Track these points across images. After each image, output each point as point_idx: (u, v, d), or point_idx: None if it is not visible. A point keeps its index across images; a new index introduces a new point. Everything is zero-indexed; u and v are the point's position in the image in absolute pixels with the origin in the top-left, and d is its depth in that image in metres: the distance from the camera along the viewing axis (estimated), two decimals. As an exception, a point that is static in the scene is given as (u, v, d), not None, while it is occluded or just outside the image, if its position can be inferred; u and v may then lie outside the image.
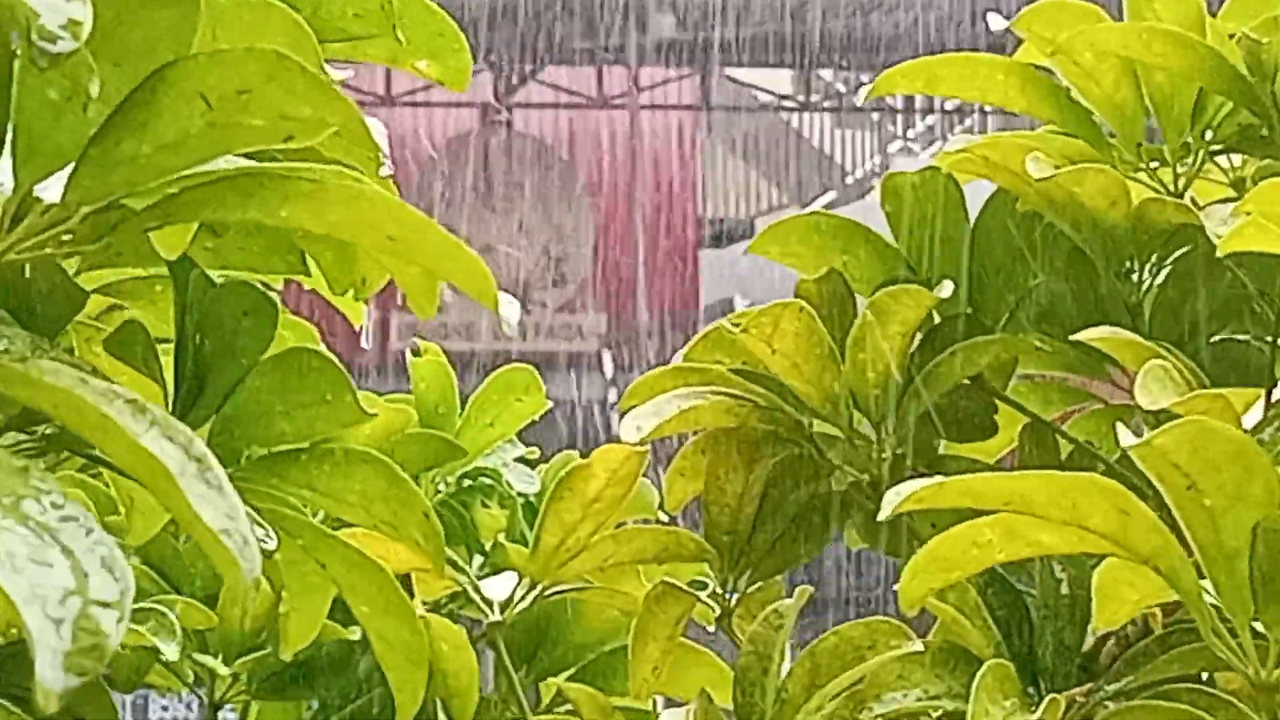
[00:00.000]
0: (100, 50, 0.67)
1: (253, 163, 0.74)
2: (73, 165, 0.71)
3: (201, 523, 0.58)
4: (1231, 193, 1.19)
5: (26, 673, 0.95)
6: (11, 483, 0.58)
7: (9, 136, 0.69)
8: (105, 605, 0.54)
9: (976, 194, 1.20)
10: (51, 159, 0.70)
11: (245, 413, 0.98)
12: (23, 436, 0.83)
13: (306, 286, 1.20)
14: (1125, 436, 0.83)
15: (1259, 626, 0.87)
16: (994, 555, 0.87)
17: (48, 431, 0.84)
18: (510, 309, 0.82)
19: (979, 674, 1.00)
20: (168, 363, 0.98)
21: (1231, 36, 1.15)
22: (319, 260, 0.96)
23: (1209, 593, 0.87)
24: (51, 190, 0.71)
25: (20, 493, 0.58)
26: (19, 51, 0.67)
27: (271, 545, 0.98)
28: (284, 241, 0.94)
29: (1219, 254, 0.98)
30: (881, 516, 0.82)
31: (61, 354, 0.71)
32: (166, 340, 1.00)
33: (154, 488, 0.60)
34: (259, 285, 0.99)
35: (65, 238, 0.73)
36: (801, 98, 16.92)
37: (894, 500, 0.81)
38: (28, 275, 0.87)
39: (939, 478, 0.83)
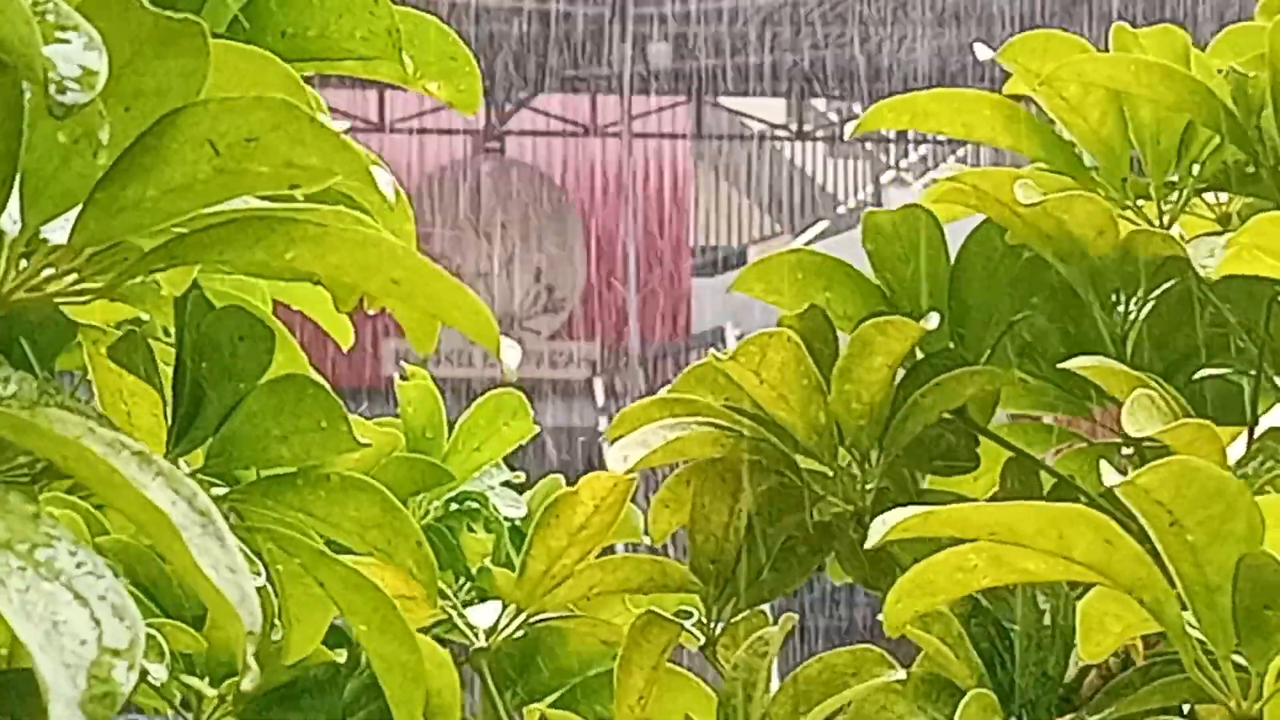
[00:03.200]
0: (110, 94, 0.68)
1: (258, 204, 0.75)
2: (80, 207, 0.71)
3: (203, 576, 0.59)
4: (1217, 228, 1.20)
5: (24, 702, 0.95)
6: (25, 529, 0.59)
7: (18, 178, 0.70)
8: (117, 653, 0.56)
9: (956, 234, 1.20)
10: (59, 201, 0.71)
11: (242, 436, 0.99)
12: (20, 461, 0.84)
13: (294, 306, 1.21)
14: (1109, 475, 0.84)
15: (1240, 659, 0.88)
16: (979, 580, 0.88)
17: (39, 465, 0.84)
18: (511, 353, 0.83)
19: (962, 704, 1.01)
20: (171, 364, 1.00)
21: (1220, 71, 1.16)
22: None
23: (1192, 625, 0.88)
24: (58, 232, 0.72)
25: (34, 540, 0.59)
26: (29, 94, 0.68)
27: (260, 581, 0.99)
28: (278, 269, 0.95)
29: (1214, 277, 0.99)
30: (869, 544, 0.83)
31: (68, 399, 0.72)
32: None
33: (157, 539, 0.61)
34: (256, 311, 1.00)
35: (70, 278, 0.73)
36: (795, 127, 16.96)
37: (881, 529, 0.82)
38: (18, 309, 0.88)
39: (926, 507, 0.84)
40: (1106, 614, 0.93)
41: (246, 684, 1.00)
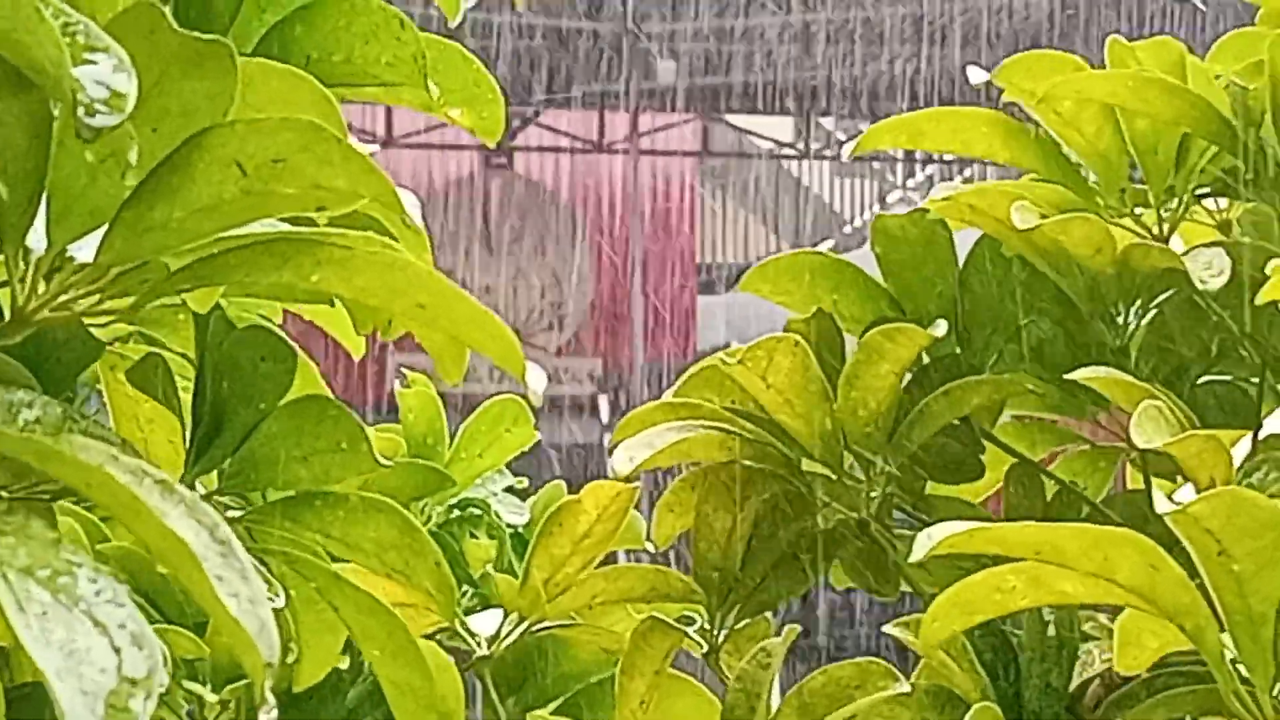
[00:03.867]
0: (138, 114, 0.68)
1: (285, 226, 0.75)
2: (106, 227, 0.71)
3: (222, 607, 0.59)
4: (1218, 235, 1.20)
5: (35, 715, 0.95)
6: (46, 555, 0.59)
7: (45, 196, 0.70)
8: (135, 683, 0.56)
9: (966, 237, 1.20)
10: (86, 219, 0.71)
11: (261, 456, 0.98)
12: (18, 487, 0.84)
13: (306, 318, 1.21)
14: (1162, 504, 0.84)
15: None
16: (1017, 601, 0.88)
17: (55, 489, 0.84)
18: (537, 378, 0.83)
19: (967, 717, 1.00)
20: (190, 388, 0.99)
21: (1217, 78, 1.16)
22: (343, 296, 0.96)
23: (1230, 650, 0.88)
24: (85, 251, 0.72)
25: (55, 566, 0.59)
26: (58, 113, 0.68)
27: (280, 603, 0.98)
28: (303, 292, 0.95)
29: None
30: (914, 558, 0.83)
31: (92, 425, 0.72)
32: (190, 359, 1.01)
33: (177, 568, 0.61)
34: (277, 331, 1.00)
35: (96, 297, 0.73)
36: (801, 145, 16.97)
37: (926, 544, 0.82)
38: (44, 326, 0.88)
39: (970, 523, 0.84)
40: (1144, 630, 0.93)
41: (264, 717, 1.00)
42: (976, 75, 1.17)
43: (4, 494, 0.68)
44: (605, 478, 1.21)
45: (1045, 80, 1.11)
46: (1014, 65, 1.14)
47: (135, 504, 0.60)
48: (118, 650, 0.56)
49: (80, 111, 0.62)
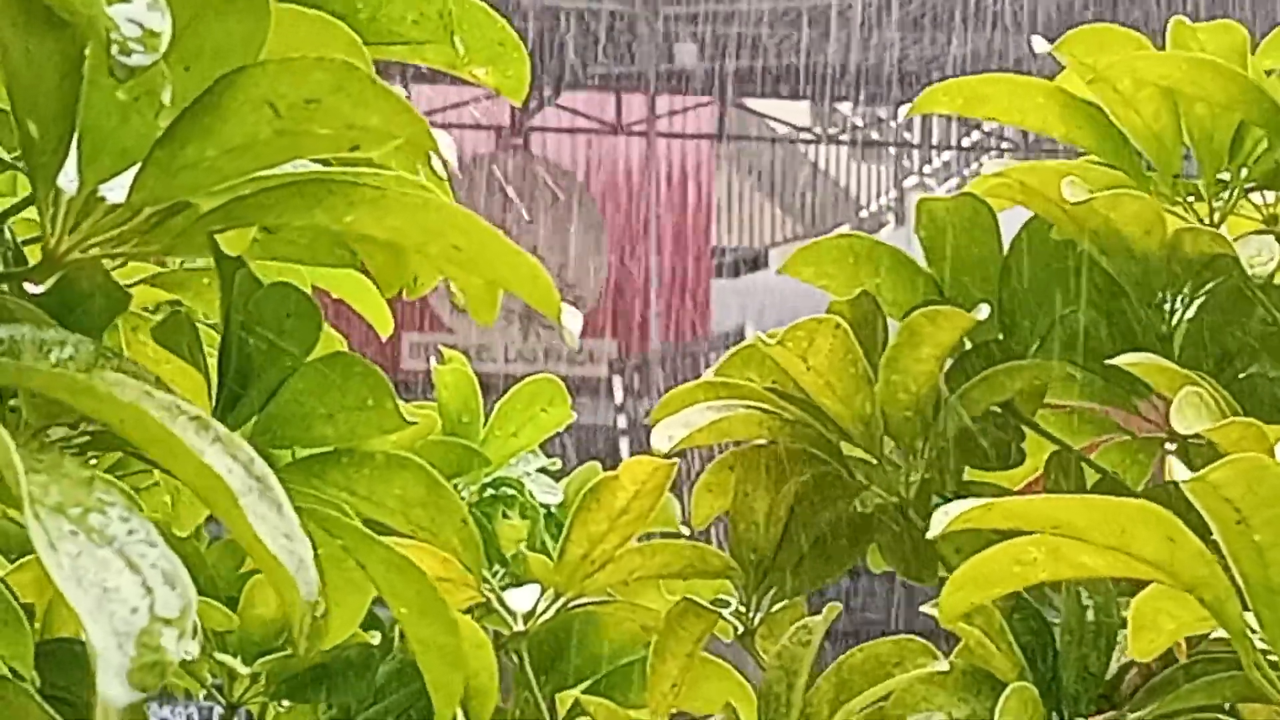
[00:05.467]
0: (170, 53, 0.67)
1: (317, 166, 0.74)
2: (138, 166, 0.70)
3: (260, 543, 0.59)
4: (1264, 229, 1.19)
5: (64, 673, 0.95)
6: (77, 494, 0.58)
7: (76, 135, 0.69)
8: (167, 622, 0.55)
9: (1010, 222, 1.20)
10: (117, 159, 0.70)
11: (287, 414, 0.98)
12: (67, 432, 0.84)
13: (334, 295, 1.21)
14: (1179, 471, 0.83)
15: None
16: (1036, 574, 0.87)
17: (91, 429, 0.84)
18: (573, 319, 0.82)
19: (1003, 697, 1.00)
20: (215, 352, 0.99)
21: (1269, 73, 1.15)
22: (369, 258, 0.96)
23: (1251, 626, 0.87)
24: (116, 191, 0.71)
25: (86, 504, 0.58)
26: (88, 52, 0.67)
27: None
28: (335, 236, 0.95)
29: (1261, 277, 0.98)
30: (931, 534, 0.82)
31: (125, 362, 0.71)
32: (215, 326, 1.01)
33: (214, 505, 0.60)
34: (303, 289, 0.99)
35: (128, 238, 0.73)
36: (819, 130, 16.95)
37: (943, 520, 0.82)
38: (72, 274, 0.87)
39: (985, 499, 0.84)
40: (1160, 612, 0.93)
41: (302, 650, 1.00)
42: (1040, 45, 1.16)
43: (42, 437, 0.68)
44: (619, 459, 1.21)
45: (1105, 55, 1.10)
46: (1075, 38, 1.13)
47: (170, 439, 0.59)
48: (150, 589, 0.55)
49: (114, 49, 0.62)
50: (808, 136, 17.12)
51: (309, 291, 1.08)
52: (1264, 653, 0.88)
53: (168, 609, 0.55)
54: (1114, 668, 1.08)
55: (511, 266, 0.74)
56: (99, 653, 0.52)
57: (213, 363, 1.00)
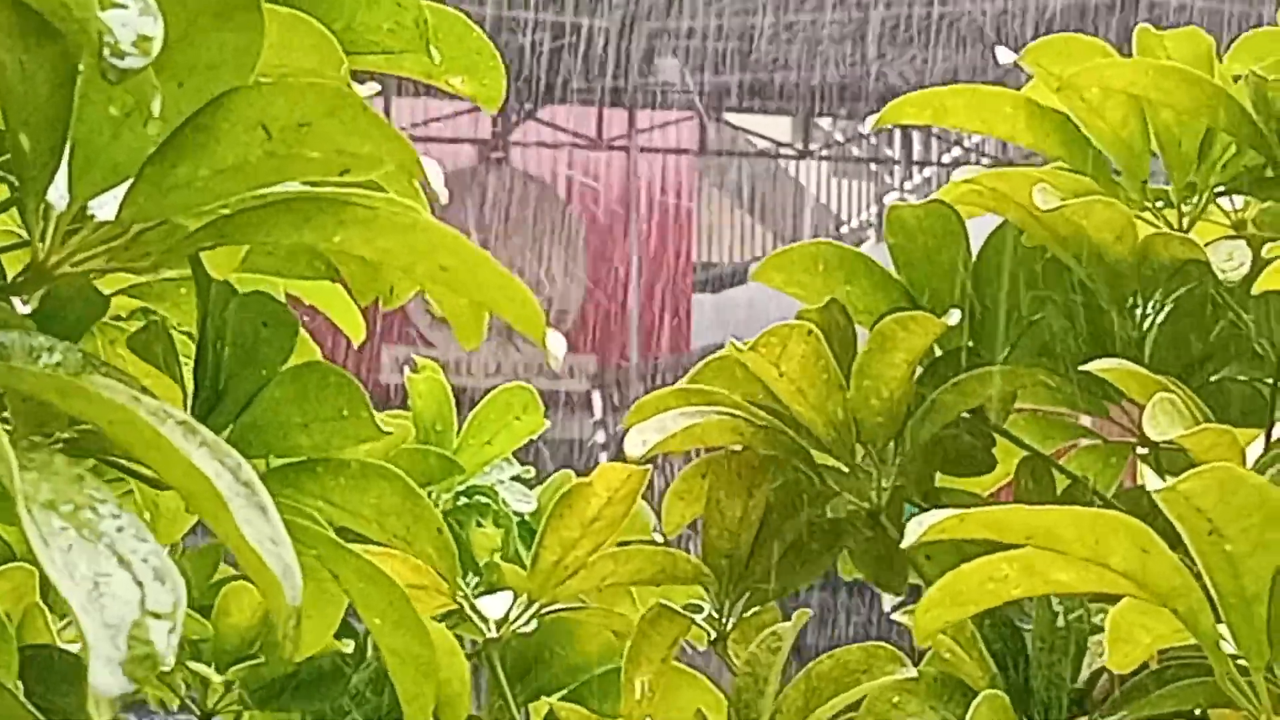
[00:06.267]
0: (164, 67, 0.67)
1: (304, 188, 0.74)
2: (129, 183, 0.71)
3: (248, 545, 0.59)
4: (1233, 234, 1.20)
5: (42, 680, 0.95)
6: (69, 490, 0.59)
7: (67, 150, 0.70)
8: (158, 616, 0.55)
9: (979, 230, 1.20)
10: (108, 175, 0.71)
11: (263, 422, 0.98)
12: (40, 439, 0.84)
13: (307, 302, 1.21)
14: (1152, 480, 0.84)
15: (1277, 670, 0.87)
16: (1010, 591, 0.87)
17: (66, 436, 0.84)
18: (557, 344, 0.82)
19: (974, 704, 1.00)
20: (190, 361, 0.99)
21: (1237, 79, 1.16)
22: (344, 268, 0.96)
23: (1223, 636, 0.88)
24: (106, 208, 0.72)
25: (78, 501, 0.58)
26: (82, 66, 0.68)
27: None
28: (311, 247, 0.95)
29: (1234, 281, 0.99)
30: (905, 544, 0.82)
31: (112, 369, 0.71)
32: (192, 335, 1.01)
33: (202, 508, 0.60)
34: (278, 298, 1.00)
35: (117, 254, 0.73)
36: (800, 145, 16.98)
37: (917, 530, 0.82)
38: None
39: (961, 509, 0.84)
40: (1135, 625, 0.93)
41: (288, 654, 1.00)
42: (1005, 56, 1.16)
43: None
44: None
45: (1071, 64, 1.11)
46: (1042, 48, 1.14)
47: (159, 442, 0.59)
48: (140, 584, 0.56)
49: (106, 53, 0.62)
50: (789, 152, 17.15)
51: (284, 300, 1.08)
52: (1234, 659, 0.88)
53: (159, 603, 0.56)
54: (1085, 674, 1.09)
55: (499, 289, 0.74)
56: (91, 645, 0.53)
57: (188, 371, 1.00)
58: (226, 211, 0.73)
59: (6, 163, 0.75)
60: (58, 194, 0.71)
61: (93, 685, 0.52)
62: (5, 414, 0.74)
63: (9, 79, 0.66)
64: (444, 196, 0.89)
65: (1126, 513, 1.15)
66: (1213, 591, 0.85)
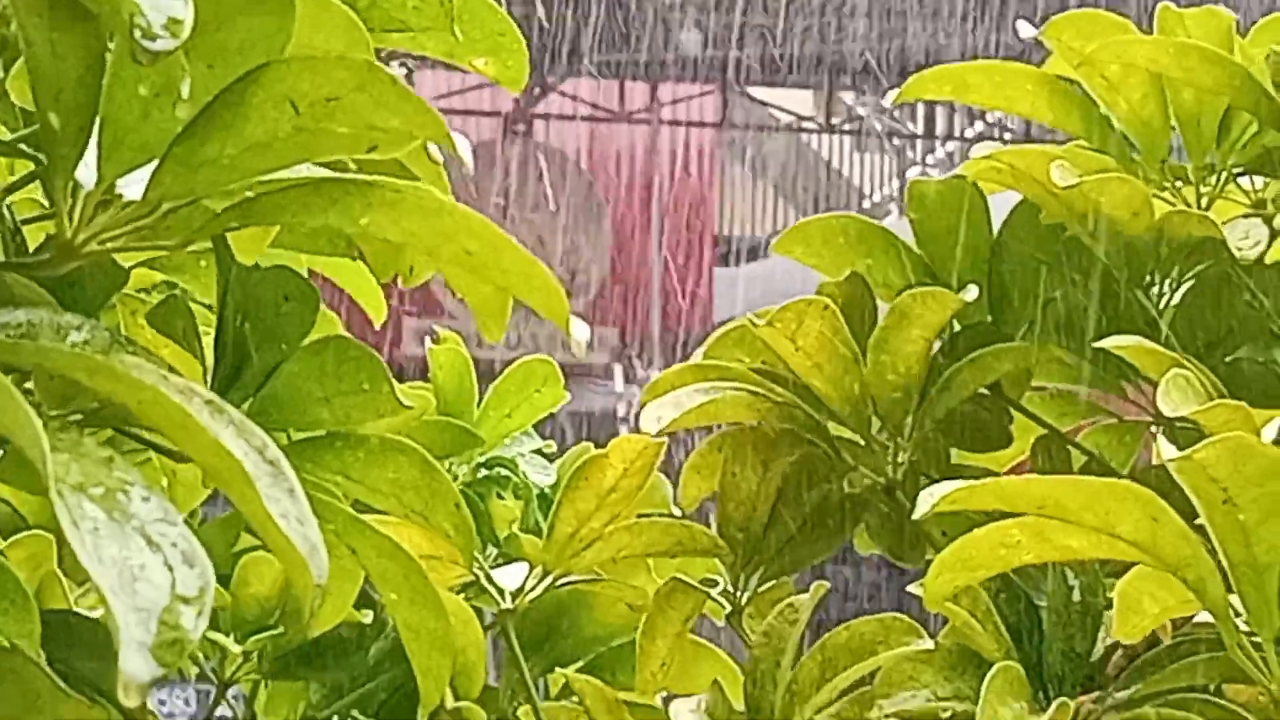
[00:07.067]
0: (194, 50, 0.68)
1: (326, 171, 0.74)
2: (157, 162, 0.71)
3: (274, 524, 0.59)
4: (1252, 212, 1.20)
5: (59, 646, 0.95)
6: (99, 473, 0.59)
7: (96, 129, 0.70)
8: (187, 600, 0.56)
9: (1000, 206, 1.20)
10: (136, 154, 0.71)
11: (283, 397, 0.98)
12: (60, 410, 0.84)
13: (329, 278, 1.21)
14: (1167, 450, 0.84)
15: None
16: (1021, 556, 0.88)
17: (85, 407, 0.84)
18: (581, 330, 0.83)
19: (989, 675, 1.01)
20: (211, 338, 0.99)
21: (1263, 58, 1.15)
22: (365, 246, 0.96)
23: (1234, 606, 0.88)
24: (134, 187, 0.72)
25: (108, 484, 0.59)
26: (112, 45, 0.68)
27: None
28: (336, 228, 0.95)
29: (1250, 259, 0.99)
30: (916, 515, 0.83)
31: (139, 348, 0.72)
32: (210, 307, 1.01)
33: (228, 487, 0.61)
34: (299, 272, 1.00)
35: (144, 233, 0.73)
36: (822, 119, 16.94)
37: (929, 501, 0.82)
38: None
39: (970, 480, 0.84)
40: (1144, 594, 0.93)
41: (310, 629, 1.00)
42: (1026, 30, 1.16)
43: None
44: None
45: (1092, 40, 1.11)
46: (1063, 23, 1.14)
47: (187, 421, 0.60)
48: (170, 568, 0.56)
49: (137, 34, 0.63)
50: (811, 126, 17.11)
51: (305, 275, 1.09)
52: (1247, 634, 0.88)
53: (187, 588, 0.56)
54: (1099, 648, 1.09)
55: (523, 274, 0.75)
56: (121, 629, 0.53)
57: (209, 344, 1.01)
58: (252, 194, 0.73)
59: (32, 138, 0.75)
60: (86, 172, 0.71)
61: (123, 670, 0.52)
62: (28, 385, 0.75)
63: (40, 58, 0.67)
64: (471, 167, 0.89)
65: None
66: (1224, 561, 0.86)
